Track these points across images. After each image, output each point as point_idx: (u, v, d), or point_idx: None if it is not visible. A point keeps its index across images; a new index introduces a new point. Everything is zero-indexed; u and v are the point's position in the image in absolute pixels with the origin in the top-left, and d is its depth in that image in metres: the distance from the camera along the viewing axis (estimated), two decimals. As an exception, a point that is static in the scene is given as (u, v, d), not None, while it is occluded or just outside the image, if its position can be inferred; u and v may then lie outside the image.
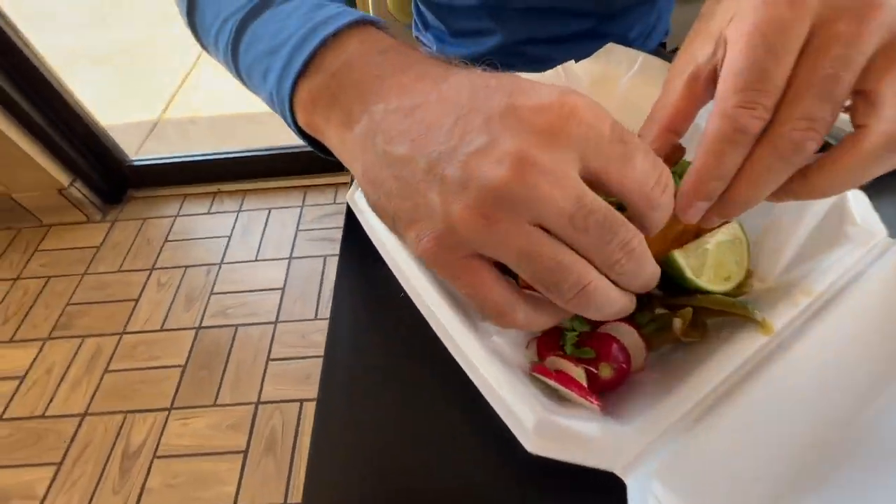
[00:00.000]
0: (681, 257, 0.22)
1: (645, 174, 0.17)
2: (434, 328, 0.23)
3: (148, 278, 1.40)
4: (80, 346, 1.25)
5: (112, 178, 1.58)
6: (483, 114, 0.16)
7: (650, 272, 0.18)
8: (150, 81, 2.24)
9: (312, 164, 1.56)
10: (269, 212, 1.55)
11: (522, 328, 0.19)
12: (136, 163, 1.60)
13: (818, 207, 0.26)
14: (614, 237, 0.16)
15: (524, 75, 0.20)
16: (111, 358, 1.23)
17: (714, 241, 0.23)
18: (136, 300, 1.34)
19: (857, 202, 0.25)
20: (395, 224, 0.19)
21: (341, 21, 0.22)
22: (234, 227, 1.52)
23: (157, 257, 1.45)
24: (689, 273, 0.23)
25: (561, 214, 0.16)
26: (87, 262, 1.45)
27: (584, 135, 0.16)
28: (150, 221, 1.57)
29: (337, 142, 0.22)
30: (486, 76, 0.18)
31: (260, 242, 1.47)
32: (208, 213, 1.59)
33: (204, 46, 0.33)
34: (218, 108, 2.02)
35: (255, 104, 1.89)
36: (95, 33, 2.74)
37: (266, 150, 1.59)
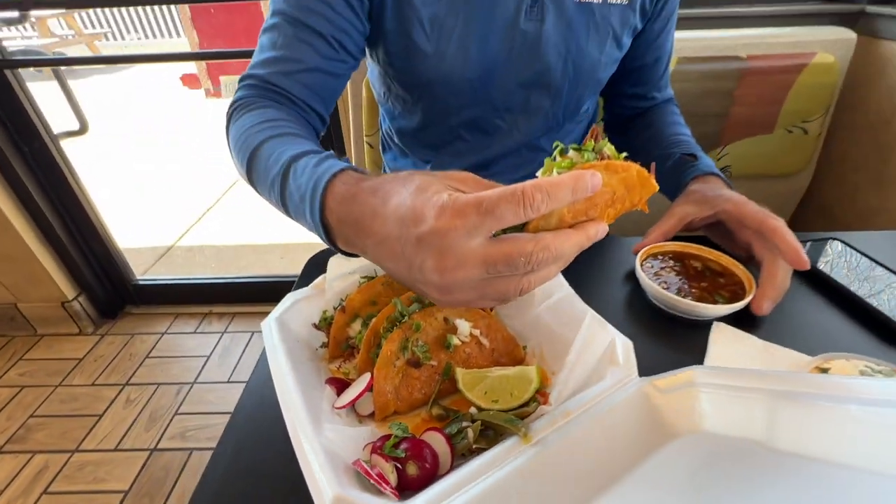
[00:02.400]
0: (459, 373, 0.31)
1: (514, 213, 0.25)
2: (289, 427, 0.30)
3: (118, 394, 1.41)
4: (27, 462, 1.22)
5: (115, 294, 1.71)
6: (410, 242, 0.27)
7: (561, 253, 0.27)
8: (176, 209, 2.54)
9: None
10: (252, 335, 1.63)
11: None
12: (140, 282, 1.74)
13: (595, 348, 0.35)
14: (517, 264, 0.26)
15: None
16: (54, 478, 1.18)
17: (498, 374, 0.33)
18: (100, 416, 1.34)
19: (622, 347, 0.34)
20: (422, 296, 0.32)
21: (322, 183, 0.34)
22: (214, 348, 1.58)
23: (134, 373, 1.48)
24: (460, 384, 0.31)
25: (481, 277, 0.26)
26: (65, 373, 1.48)
27: (462, 234, 0.25)
28: (138, 337, 1.64)
29: (361, 252, 0.33)
30: (399, 207, 0.28)
31: (236, 365, 1.51)
32: (195, 332, 1.66)
33: (259, 192, 0.47)
34: (228, 239, 2.25)
35: (260, 237, 2.15)
36: (138, 158, 3.18)
37: (256, 277, 1.75)
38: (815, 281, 0.49)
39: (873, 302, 0.45)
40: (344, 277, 0.44)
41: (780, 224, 0.45)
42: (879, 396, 0.27)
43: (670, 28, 0.66)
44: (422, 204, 0.27)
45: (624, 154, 0.29)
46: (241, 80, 0.55)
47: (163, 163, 3.20)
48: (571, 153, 0.30)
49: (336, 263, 0.44)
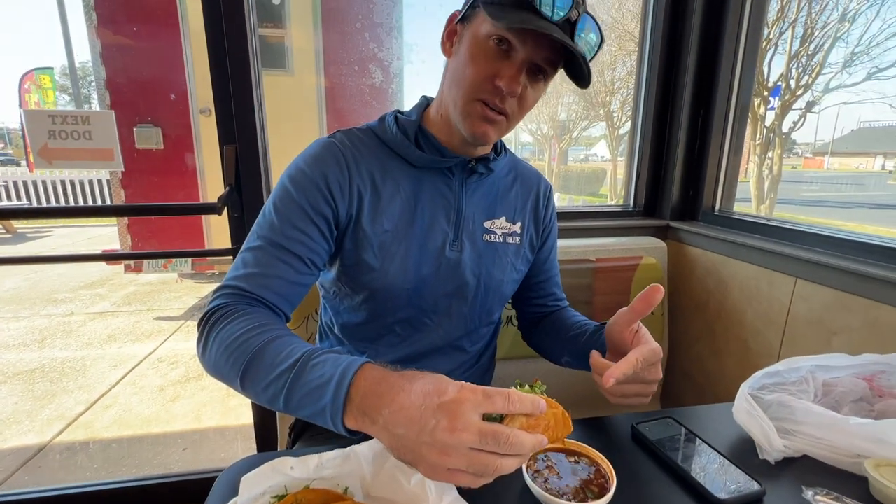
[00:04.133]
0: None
1: (502, 403, 0.42)
2: None
3: None
4: None
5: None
6: (430, 408, 0.42)
7: (528, 447, 0.42)
8: (61, 400, 2.24)
9: (200, 492, 1.48)
10: (132, 557, 1.35)
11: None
12: (-8, 500, 1.43)
13: None
14: (499, 440, 0.41)
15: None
16: None
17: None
18: None
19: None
20: (411, 464, 0.44)
21: (355, 367, 0.48)
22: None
23: None
24: None
25: (475, 442, 0.40)
26: None
27: (472, 406, 0.41)
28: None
29: (371, 430, 0.46)
30: (425, 385, 0.44)
31: None
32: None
33: (246, 390, 0.55)
34: (120, 431, 1.99)
35: (159, 425, 1.93)
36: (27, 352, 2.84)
37: (151, 478, 1.52)
38: (654, 458, 0.62)
39: (696, 475, 0.57)
40: (255, 499, 0.48)
41: (652, 344, 0.64)
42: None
43: (553, 257, 0.92)
44: (445, 383, 0.44)
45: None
46: (218, 290, 0.64)
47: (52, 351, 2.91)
48: (527, 387, 0.50)
49: (249, 482, 0.48)
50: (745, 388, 0.69)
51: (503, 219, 0.81)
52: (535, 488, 0.52)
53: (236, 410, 2.13)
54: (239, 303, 0.62)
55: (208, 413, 2.12)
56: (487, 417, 0.43)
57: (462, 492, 0.49)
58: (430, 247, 0.74)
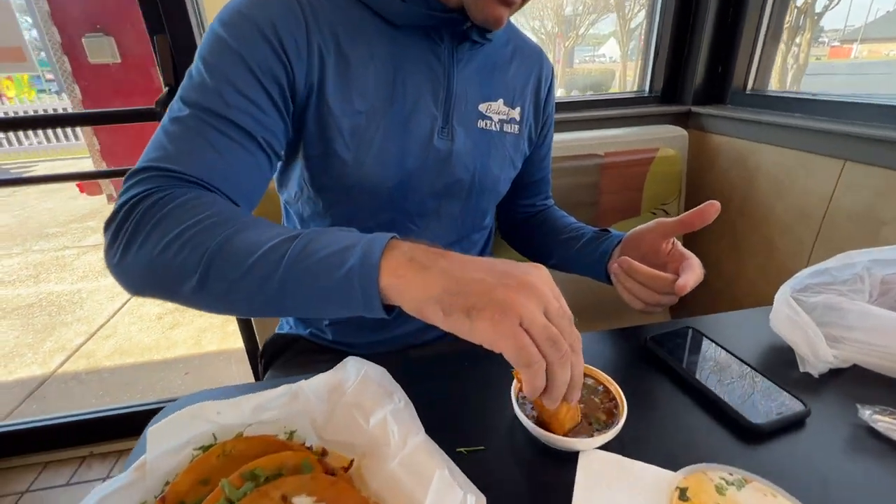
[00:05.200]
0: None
1: (565, 329, 0.35)
2: None
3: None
4: None
5: (-41, 451, 1.39)
6: (514, 277, 0.35)
7: (576, 373, 0.36)
8: (58, 333, 2.24)
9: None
10: (140, 476, 1.38)
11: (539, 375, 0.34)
12: (-2, 430, 1.45)
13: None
14: (567, 328, 0.35)
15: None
16: None
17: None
18: None
19: None
20: (468, 313, 0.33)
21: (384, 236, 0.38)
22: (90, 502, 1.31)
23: (-25, 556, 1.18)
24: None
25: (550, 306, 0.35)
26: None
27: (544, 300, 0.35)
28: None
29: (416, 278, 0.35)
30: (489, 261, 0.37)
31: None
32: (68, 483, 1.39)
33: (214, 284, 0.40)
34: (120, 360, 2.00)
35: (159, 352, 1.92)
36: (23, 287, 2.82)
37: (150, 403, 1.53)
38: (672, 376, 0.51)
39: (725, 396, 0.47)
40: (173, 453, 0.38)
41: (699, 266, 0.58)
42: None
43: (549, 151, 0.80)
44: (525, 268, 0.37)
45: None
46: (134, 174, 0.44)
47: (46, 280, 2.88)
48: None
49: (159, 434, 0.38)
50: (785, 290, 0.57)
51: (500, 102, 0.65)
52: (525, 420, 0.42)
53: (236, 334, 2.11)
54: (171, 186, 0.44)
55: (208, 338, 2.11)
56: None
57: (435, 430, 0.39)
58: (415, 133, 0.58)
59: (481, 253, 0.78)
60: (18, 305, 2.56)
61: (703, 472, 0.38)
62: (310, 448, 0.41)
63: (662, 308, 0.60)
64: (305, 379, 0.45)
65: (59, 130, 6.87)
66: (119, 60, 2.72)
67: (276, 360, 0.77)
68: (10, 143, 6.73)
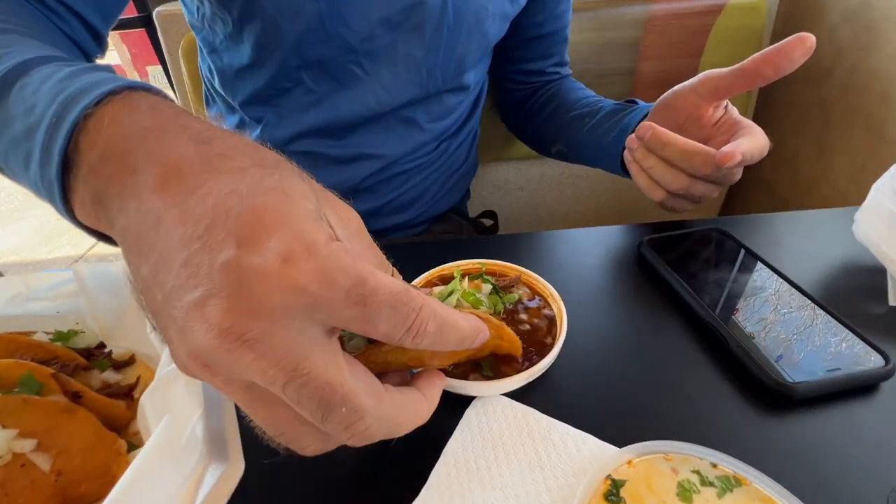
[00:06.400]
0: None
1: (392, 327, 0.16)
2: None
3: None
4: None
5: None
6: (209, 259, 0.15)
7: (391, 433, 0.18)
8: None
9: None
10: None
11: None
12: None
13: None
14: (330, 414, 0.16)
15: None
16: None
17: None
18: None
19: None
20: (161, 333, 0.18)
21: (94, 93, 0.19)
22: None
23: None
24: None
25: (271, 383, 0.15)
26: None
27: (310, 303, 0.15)
28: None
29: (99, 224, 0.20)
30: (234, 195, 0.16)
31: None
32: None
33: None
34: None
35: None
36: None
37: None
38: (670, 299, 0.33)
39: (742, 330, 0.29)
40: None
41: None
42: None
43: None
44: (278, 216, 0.16)
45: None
46: None
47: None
48: (464, 286, 0.26)
49: None
50: (886, 182, 0.35)
51: None
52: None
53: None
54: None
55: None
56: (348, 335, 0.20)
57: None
58: None
59: (462, 122, 0.59)
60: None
61: (665, 456, 0.22)
62: (107, 354, 0.29)
63: (696, 204, 0.41)
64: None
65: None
66: None
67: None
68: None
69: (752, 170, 0.97)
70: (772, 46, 0.35)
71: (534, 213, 0.92)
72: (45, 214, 2.30)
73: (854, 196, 0.79)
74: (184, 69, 0.72)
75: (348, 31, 0.44)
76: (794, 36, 0.35)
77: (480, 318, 0.20)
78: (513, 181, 0.87)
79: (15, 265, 2.00)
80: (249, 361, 0.15)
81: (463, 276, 0.29)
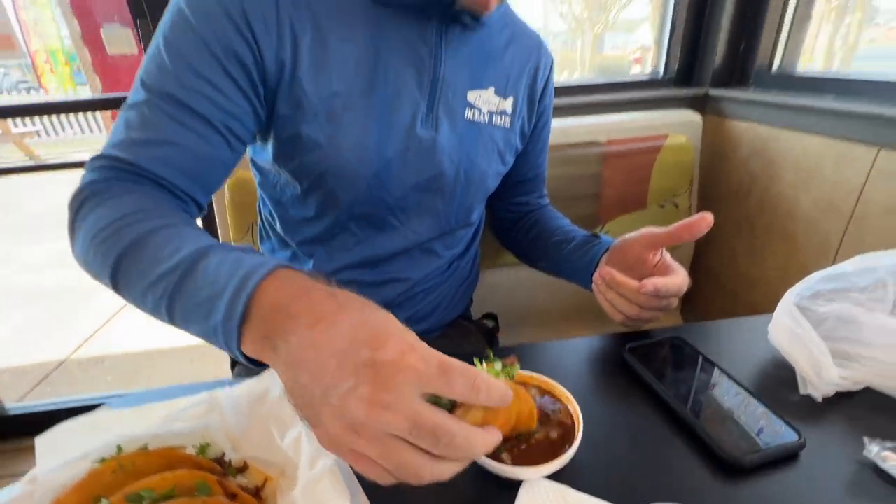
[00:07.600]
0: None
1: (463, 387, 0.26)
2: None
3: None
4: None
5: (-25, 430, 1.45)
6: (353, 362, 0.26)
7: (474, 451, 0.27)
8: (75, 320, 2.31)
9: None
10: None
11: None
12: (13, 411, 1.50)
13: None
14: (439, 440, 0.26)
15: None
16: None
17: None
18: None
19: None
20: (313, 425, 0.28)
21: (261, 272, 0.32)
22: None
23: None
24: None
25: (402, 430, 0.25)
26: None
27: (415, 379, 0.26)
28: (4, 481, 1.38)
29: (269, 360, 0.31)
30: (360, 324, 0.28)
31: None
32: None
33: (125, 295, 0.41)
34: (132, 347, 2.04)
35: (165, 340, 1.95)
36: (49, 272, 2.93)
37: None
38: (648, 395, 0.45)
39: (701, 420, 0.40)
40: (69, 465, 0.35)
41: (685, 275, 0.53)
42: None
43: (545, 148, 0.75)
44: (389, 331, 0.28)
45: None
46: (93, 161, 0.46)
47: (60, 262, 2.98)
48: (497, 366, 0.34)
49: (50, 444, 0.35)
50: (790, 297, 0.49)
51: (492, 90, 0.60)
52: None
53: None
54: (117, 178, 0.45)
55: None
56: (433, 399, 0.28)
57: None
58: (395, 121, 0.54)
59: (467, 247, 0.73)
60: (40, 292, 2.66)
61: (659, 514, 0.32)
62: (228, 462, 0.38)
63: (646, 322, 0.55)
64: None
65: (95, 122, 7.17)
66: (136, 52, 2.75)
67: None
68: (47, 133, 7.05)
69: (705, 272, 1.15)
70: (686, 219, 0.51)
71: (526, 308, 1.05)
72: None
73: (782, 291, 0.96)
74: (227, 198, 0.86)
75: (388, 195, 0.58)
76: (698, 214, 0.51)
77: (509, 386, 0.30)
78: (506, 283, 1.01)
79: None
80: (389, 419, 0.25)
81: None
